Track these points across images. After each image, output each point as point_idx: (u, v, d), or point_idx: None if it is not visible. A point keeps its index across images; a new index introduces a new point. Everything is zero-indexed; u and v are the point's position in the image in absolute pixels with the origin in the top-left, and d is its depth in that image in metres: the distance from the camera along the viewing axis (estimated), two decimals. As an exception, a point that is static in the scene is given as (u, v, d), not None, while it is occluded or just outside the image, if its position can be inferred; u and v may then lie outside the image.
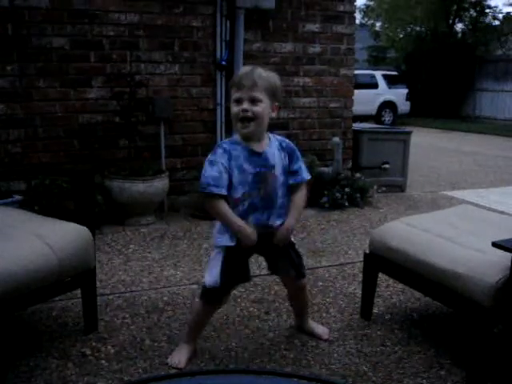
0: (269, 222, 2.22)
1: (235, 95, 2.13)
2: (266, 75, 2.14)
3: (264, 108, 2.12)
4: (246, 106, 2.09)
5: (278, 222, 2.23)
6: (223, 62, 4.74)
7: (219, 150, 2.14)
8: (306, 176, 2.30)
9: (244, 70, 2.20)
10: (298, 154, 2.29)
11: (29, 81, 4.21)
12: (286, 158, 2.24)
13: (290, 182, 2.26)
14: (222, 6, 4.69)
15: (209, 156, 2.15)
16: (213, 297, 2.28)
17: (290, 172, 2.25)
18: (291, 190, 2.27)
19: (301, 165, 2.29)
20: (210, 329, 2.56)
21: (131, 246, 3.83)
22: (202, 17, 4.68)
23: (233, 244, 2.17)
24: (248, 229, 2.12)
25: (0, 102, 4.15)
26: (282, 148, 2.24)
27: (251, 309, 2.79)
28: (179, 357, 2.27)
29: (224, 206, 2.11)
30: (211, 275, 2.23)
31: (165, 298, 2.94)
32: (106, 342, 2.44)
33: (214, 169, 2.09)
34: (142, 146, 4.60)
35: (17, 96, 4.20)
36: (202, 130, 4.85)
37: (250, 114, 2.09)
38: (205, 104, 4.83)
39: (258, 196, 2.17)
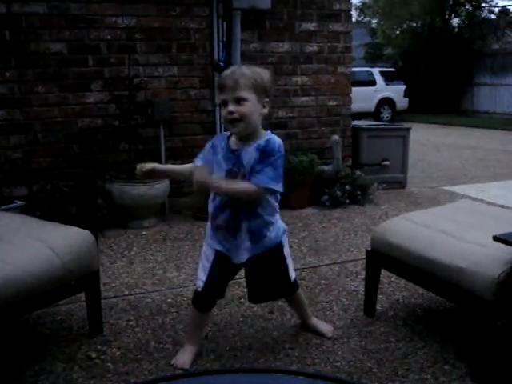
0: (241, 223, 2.13)
1: (220, 98, 2.11)
2: (250, 72, 2.05)
3: (250, 107, 2.04)
4: (231, 107, 2.03)
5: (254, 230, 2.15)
6: (221, 63, 4.75)
7: (207, 146, 2.24)
8: (263, 183, 2.02)
9: (228, 70, 2.11)
10: (273, 160, 2.04)
11: (27, 86, 4.22)
12: (257, 159, 2.06)
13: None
14: (217, 8, 4.69)
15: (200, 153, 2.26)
16: (199, 302, 2.31)
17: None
18: None
19: (264, 169, 2.02)
20: (215, 329, 2.57)
21: (134, 248, 3.84)
22: (199, 18, 4.69)
23: (222, 250, 2.21)
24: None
25: (-1, 109, 4.17)
26: (259, 148, 2.06)
27: (255, 308, 2.79)
28: (184, 357, 2.28)
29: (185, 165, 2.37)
30: (199, 276, 2.29)
31: (168, 300, 2.95)
32: (112, 344, 2.45)
33: (197, 161, 2.22)
34: (142, 148, 4.61)
35: (16, 102, 4.21)
36: (202, 131, 4.86)
37: (236, 115, 2.03)
38: (203, 105, 4.84)
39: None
